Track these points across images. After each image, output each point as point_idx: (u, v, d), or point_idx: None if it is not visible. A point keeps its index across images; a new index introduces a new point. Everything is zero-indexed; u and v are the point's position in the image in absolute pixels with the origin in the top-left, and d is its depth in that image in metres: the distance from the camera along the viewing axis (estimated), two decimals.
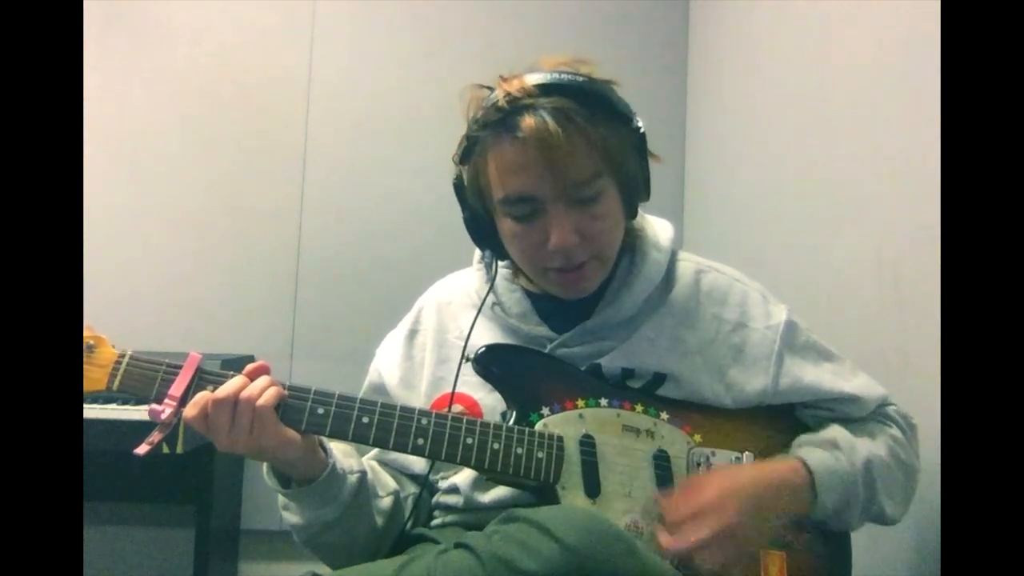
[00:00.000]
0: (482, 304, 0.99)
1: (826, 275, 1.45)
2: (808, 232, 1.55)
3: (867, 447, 0.93)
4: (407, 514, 0.98)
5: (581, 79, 0.88)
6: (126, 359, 0.84)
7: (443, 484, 0.99)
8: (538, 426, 0.88)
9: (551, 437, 0.87)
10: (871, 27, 1.35)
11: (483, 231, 0.95)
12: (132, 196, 2.26)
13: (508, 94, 0.86)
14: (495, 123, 0.87)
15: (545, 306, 0.99)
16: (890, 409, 1.01)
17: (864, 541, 0.99)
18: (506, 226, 0.92)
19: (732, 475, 0.86)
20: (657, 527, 0.83)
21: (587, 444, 0.88)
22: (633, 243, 0.99)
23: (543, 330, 0.97)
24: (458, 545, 0.70)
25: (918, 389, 1.04)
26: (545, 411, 0.89)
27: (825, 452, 0.91)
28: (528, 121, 0.84)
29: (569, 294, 0.95)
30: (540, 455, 0.86)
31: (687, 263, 1.01)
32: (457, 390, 0.95)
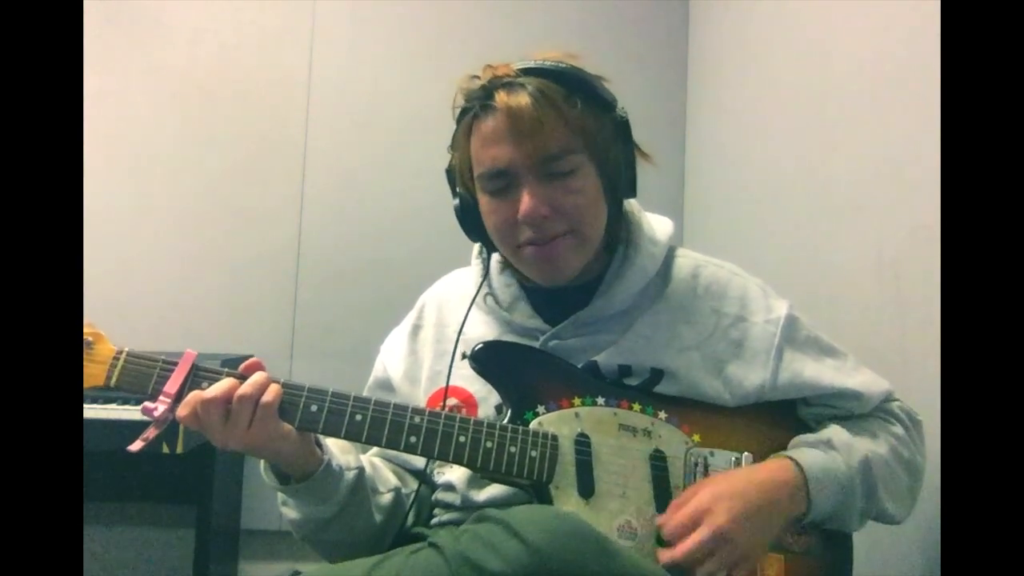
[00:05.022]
0: (475, 297, 0.99)
1: (826, 274, 1.45)
2: (808, 232, 1.55)
3: (866, 446, 0.91)
4: (408, 510, 0.98)
5: (564, 65, 0.90)
6: (123, 355, 0.84)
7: (440, 480, 0.99)
8: (532, 424, 0.88)
9: (545, 436, 0.87)
10: (871, 27, 1.35)
11: (472, 220, 0.96)
12: (132, 196, 2.26)
13: (492, 75, 0.89)
14: (476, 99, 0.90)
15: (540, 299, 0.99)
16: (894, 405, 0.99)
17: (866, 543, 0.98)
18: (484, 205, 0.93)
19: (722, 481, 0.85)
20: (657, 548, 0.82)
21: (582, 443, 0.87)
22: (628, 236, 0.98)
23: (536, 322, 0.97)
24: (430, 544, 0.71)
25: (918, 389, 1.04)
26: (540, 409, 0.89)
27: (819, 452, 0.89)
28: (503, 96, 0.87)
29: (545, 275, 0.94)
30: (533, 454, 0.85)
31: (685, 259, 1.01)
32: (454, 383, 0.95)
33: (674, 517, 0.81)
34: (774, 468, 0.88)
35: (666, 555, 0.80)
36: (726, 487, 0.83)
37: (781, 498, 0.85)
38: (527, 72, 0.89)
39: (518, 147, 0.87)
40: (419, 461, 1.00)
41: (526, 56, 0.92)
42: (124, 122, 2.27)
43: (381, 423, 0.84)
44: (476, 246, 1.05)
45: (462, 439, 0.85)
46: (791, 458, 0.88)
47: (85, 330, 0.84)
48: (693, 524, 0.79)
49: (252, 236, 2.28)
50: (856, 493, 0.89)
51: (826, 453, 0.89)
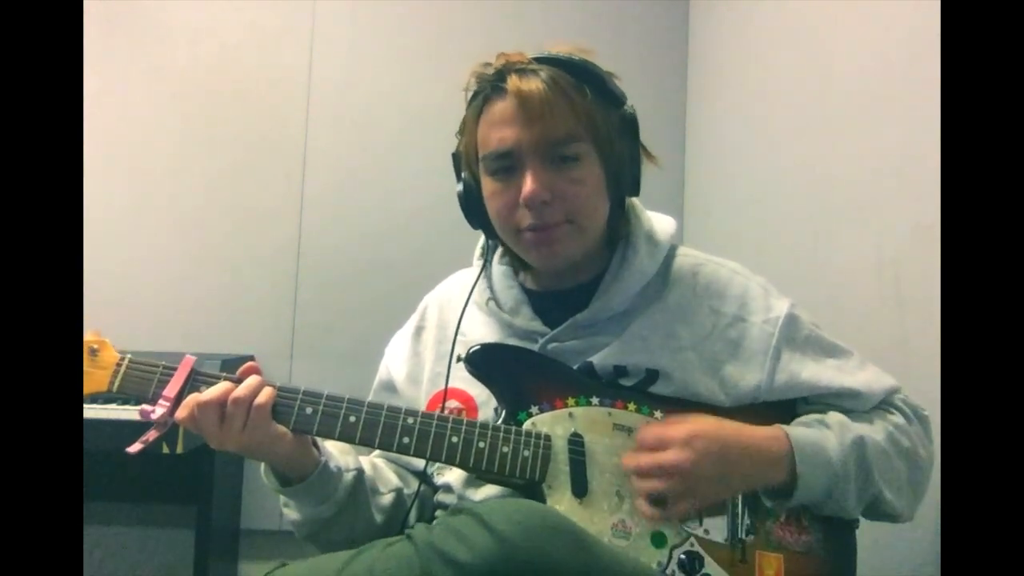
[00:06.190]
0: (469, 296, 1.00)
1: (826, 274, 1.45)
2: (808, 232, 1.55)
3: (861, 429, 0.90)
4: (408, 510, 0.98)
5: (577, 57, 0.91)
6: (125, 362, 0.87)
7: (439, 481, 0.99)
8: (526, 425, 0.88)
9: (538, 436, 0.87)
10: (871, 27, 1.35)
11: (474, 205, 0.96)
12: (132, 196, 2.26)
13: (505, 60, 0.91)
14: (487, 83, 0.91)
15: (540, 302, 0.99)
16: (896, 399, 0.98)
17: (869, 543, 0.97)
18: (487, 187, 0.93)
19: (708, 422, 0.86)
20: (628, 452, 0.86)
21: (575, 443, 0.87)
22: (627, 234, 0.98)
23: (536, 325, 0.97)
24: (406, 537, 0.72)
25: (918, 389, 1.04)
26: (534, 410, 0.89)
27: (811, 429, 0.89)
28: (515, 80, 0.88)
29: (545, 261, 0.94)
30: (526, 454, 0.86)
31: (685, 258, 1.00)
32: (454, 385, 0.96)
33: (651, 432, 0.85)
34: (763, 433, 0.88)
35: (629, 461, 0.85)
36: (708, 429, 0.85)
37: (760, 461, 0.86)
38: (540, 60, 0.90)
39: (525, 129, 0.88)
40: (420, 462, 1.00)
41: (538, 48, 0.92)
42: (124, 122, 2.27)
43: (374, 425, 0.85)
44: (477, 248, 1.05)
45: (454, 440, 0.85)
46: (782, 429, 0.88)
47: (92, 338, 0.86)
48: (664, 445, 0.83)
49: (252, 236, 2.28)
50: (849, 471, 0.87)
51: (818, 431, 0.89)
